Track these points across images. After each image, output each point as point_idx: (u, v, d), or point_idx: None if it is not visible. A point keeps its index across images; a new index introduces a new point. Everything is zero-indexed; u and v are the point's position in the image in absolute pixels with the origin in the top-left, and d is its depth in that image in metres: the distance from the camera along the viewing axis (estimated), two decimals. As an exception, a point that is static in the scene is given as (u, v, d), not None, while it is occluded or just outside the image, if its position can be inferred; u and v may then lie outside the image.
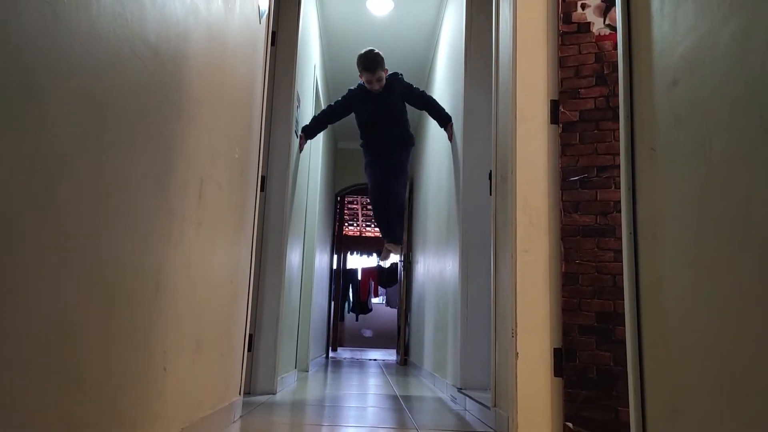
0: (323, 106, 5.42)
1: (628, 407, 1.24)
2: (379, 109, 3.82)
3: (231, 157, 2.06)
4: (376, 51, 3.74)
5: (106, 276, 1.10)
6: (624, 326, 1.33)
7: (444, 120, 3.82)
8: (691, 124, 1.02)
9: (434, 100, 3.88)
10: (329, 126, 6.47)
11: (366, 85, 3.76)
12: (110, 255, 1.12)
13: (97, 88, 1.04)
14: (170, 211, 1.45)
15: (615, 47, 2.17)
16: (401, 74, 3.88)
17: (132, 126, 1.21)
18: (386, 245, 4.27)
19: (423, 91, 3.89)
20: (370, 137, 3.96)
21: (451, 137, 3.81)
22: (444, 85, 4.55)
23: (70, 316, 0.97)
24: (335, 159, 7.71)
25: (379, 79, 3.71)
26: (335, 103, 3.91)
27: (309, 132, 3.90)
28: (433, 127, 5.24)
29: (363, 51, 3.76)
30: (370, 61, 3.67)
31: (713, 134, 0.94)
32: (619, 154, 2.06)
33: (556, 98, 2.22)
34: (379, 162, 3.99)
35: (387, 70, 3.77)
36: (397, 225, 4.11)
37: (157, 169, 1.35)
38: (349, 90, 3.89)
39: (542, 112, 2.23)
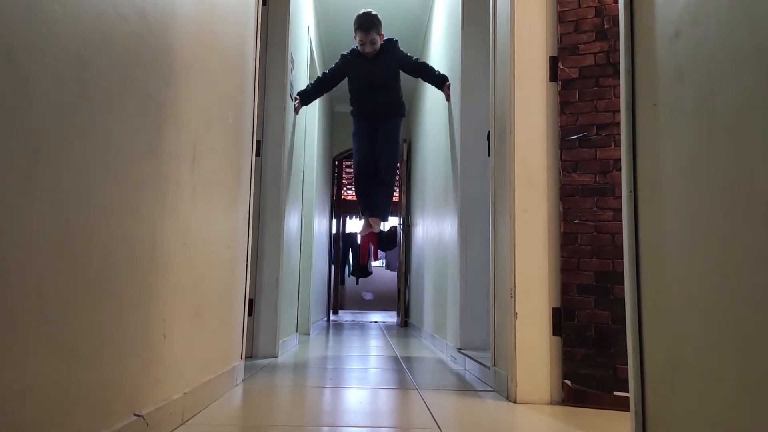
0: (318, 69, 5.33)
1: (626, 365, 1.25)
2: (373, 75, 3.73)
3: (224, 121, 2.03)
4: (375, 13, 3.65)
5: (99, 244, 1.09)
6: (623, 285, 1.33)
7: (440, 82, 3.73)
8: (693, 78, 0.99)
9: (429, 65, 3.80)
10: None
11: (359, 46, 3.67)
12: (102, 222, 1.10)
13: (81, 52, 1.01)
14: (163, 176, 1.43)
15: (616, 0, 2.11)
16: (397, 40, 3.79)
17: (120, 90, 1.17)
18: (369, 219, 3.95)
19: (417, 59, 3.80)
20: (362, 104, 3.87)
21: (448, 98, 3.74)
22: (441, 45, 4.46)
23: (63, 285, 0.96)
24: (332, 123, 7.63)
25: (373, 42, 3.62)
26: (329, 70, 3.82)
27: (305, 97, 3.81)
28: (429, 89, 5.17)
29: (362, 11, 3.68)
30: (365, 21, 3.61)
31: (717, 88, 0.92)
32: (619, 111, 2.03)
33: (555, 55, 2.17)
34: (369, 130, 3.89)
35: (383, 36, 3.69)
36: (385, 199, 3.88)
37: (147, 134, 1.33)
38: (342, 55, 3.80)
39: (541, 69, 2.18)
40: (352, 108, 3.96)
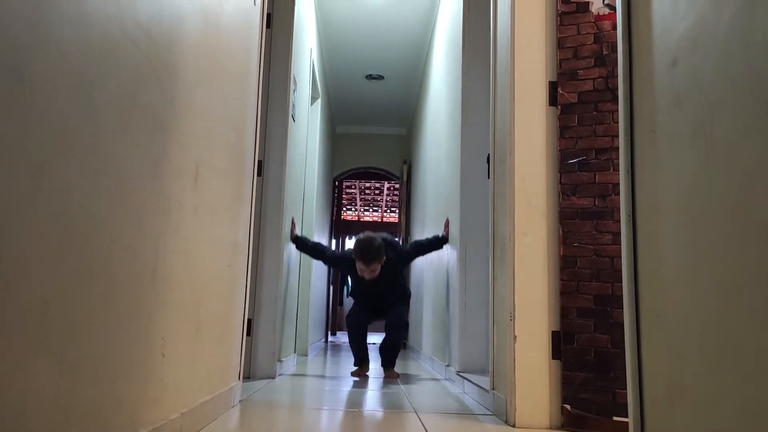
0: (320, 91, 5.39)
1: (626, 389, 1.24)
2: (374, 286, 3.59)
3: (227, 141, 2.05)
4: (378, 244, 3.37)
5: (102, 261, 1.09)
6: (622, 309, 1.33)
7: (440, 244, 3.65)
8: (691, 104, 1.01)
9: (423, 243, 3.68)
10: (327, 110, 6.45)
11: (357, 270, 3.47)
12: (106, 240, 1.11)
13: (88, 72, 1.03)
14: (166, 195, 1.44)
15: (614, 27, 2.14)
16: (395, 249, 3.56)
17: (125, 109, 1.19)
18: (385, 369, 3.61)
19: (411, 247, 3.71)
20: (365, 297, 3.69)
21: (445, 233, 3.67)
22: (442, 68, 4.51)
23: (66, 301, 0.97)
24: (333, 143, 7.67)
25: (373, 271, 3.41)
26: (331, 253, 3.74)
27: (300, 244, 3.68)
28: (431, 109, 5.22)
29: (363, 236, 3.45)
30: (367, 254, 3.34)
31: (714, 115, 0.93)
32: (617, 136, 2.04)
33: (554, 80, 2.20)
34: (371, 312, 3.71)
35: (385, 258, 3.41)
36: (394, 351, 3.60)
37: (151, 153, 1.34)
38: (348, 259, 3.54)
39: (541, 93, 2.21)
40: (352, 292, 3.77)
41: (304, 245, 3.73)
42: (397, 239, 4.16)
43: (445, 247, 3.85)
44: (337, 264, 3.80)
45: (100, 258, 1.09)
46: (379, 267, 3.43)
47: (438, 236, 3.72)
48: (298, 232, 3.97)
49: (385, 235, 3.65)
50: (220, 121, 1.94)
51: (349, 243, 12.63)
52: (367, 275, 3.45)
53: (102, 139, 1.09)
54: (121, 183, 1.17)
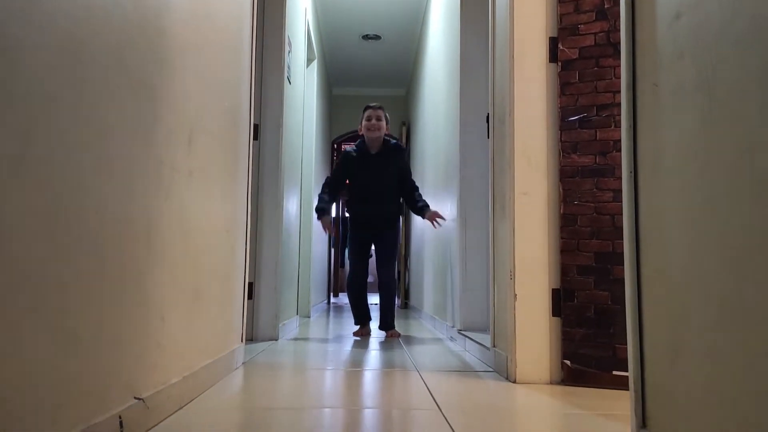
0: (315, 52, 5.29)
1: (626, 344, 1.25)
2: (377, 173, 3.58)
3: (221, 104, 2.01)
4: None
5: (94, 228, 1.08)
6: (622, 266, 1.32)
7: (422, 210, 3.63)
8: (694, 58, 0.98)
9: (419, 193, 3.71)
10: (324, 72, 6.35)
11: (364, 126, 3.60)
12: (97, 206, 1.09)
13: (74, 35, 1.00)
14: (158, 160, 1.42)
15: (616, -21, 2.08)
16: (404, 148, 3.73)
17: (113, 73, 1.16)
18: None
19: (415, 183, 3.75)
20: (360, 210, 3.69)
21: (426, 216, 3.60)
22: (440, 27, 4.42)
23: (58, 269, 0.96)
24: (330, 105, 7.59)
25: (379, 119, 3.59)
26: (332, 173, 3.73)
27: (325, 209, 3.65)
28: (429, 69, 5.13)
29: None
30: (374, 104, 3.69)
31: (717, 69, 0.91)
32: (619, 92, 2.01)
33: (554, 35, 2.15)
34: (365, 240, 3.71)
35: (389, 129, 3.69)
36: (389, 307, 3.68)
37: (142, 117, 1.31)
38: (345, 152, 3.69)
39: (541, 50, 2.16)
40: (349, 204, 3.78)
41: (328, 204, 3.67)
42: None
43: (446, 205, 3.85)
44: (338, 172, 3.71)
45: (92, 224, 1.08)
46: (384, 122, 3.60)
47: (426, 206, 3.64)
48: (295, 212, 4.00)
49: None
50: (213, 84, 1.90)
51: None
52: (374, 129, 3.57)
53: (89, 104, 1.06)
54: (110, 148, 1.15)
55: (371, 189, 3.64)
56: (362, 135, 3.66)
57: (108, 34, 1.13)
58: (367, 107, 3.67)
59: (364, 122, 3.64)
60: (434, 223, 3.59)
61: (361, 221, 3.70)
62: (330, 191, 3.67)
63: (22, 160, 0.86)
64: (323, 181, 3.78)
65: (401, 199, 3.76)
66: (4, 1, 0.80)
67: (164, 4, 1.44)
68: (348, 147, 3.75)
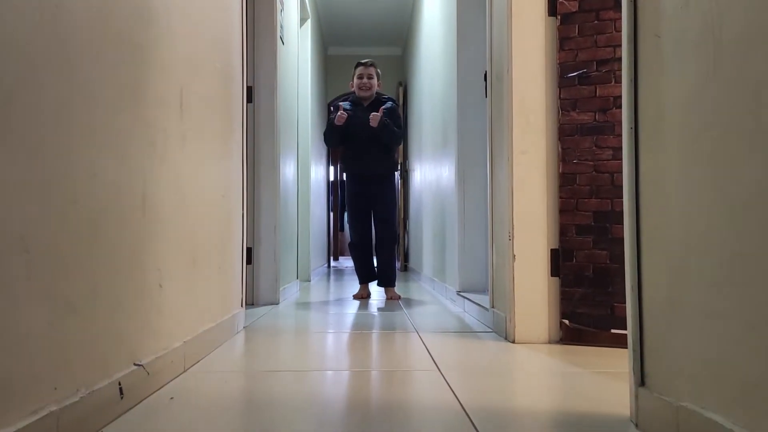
0: (309, 11, 5.17)
1: (624, 303, 1.24)
2: (369, 127, 3.49)
3: (212, 66, 1.96)
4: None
5: (85, 194, 1.06)
6: (621, 225, 1.30)
7: (392, 135, 3.55)
8: (699, 6, 0.94)
9: (399, 130, 3.60)
10: (318, 31, 6.22)
11: (356, 84, 3.60)
12: (88, 172, 1.07)
13: (52, -9, 0.95)
14: (149, 124, 1.38)
15: (617, -72, 2.00)
16: (398, 106, 3.69)
17: (97, 32, 1.12)
18: (386, 289, 3.68)
19: (400, 130, 3.65)
20: (355, 159, 3.65)
21: (373, 119, 3.47)
22: (435, -19, 4.30)
23: (49, 237, 0.94)
24: (326, 67, 7.46)
25: (370, 77, 3.59)
26: (327, 124, 3.67)
27: (332, 122, 3.59)
28: (426, 27, 5.02)
29: None
30: (366, 60, 3.67)
31: (723, 16, 0.87)
32: (620, 46, 1.95)
33: (553, -12, 2.08)
34: (363, 193, 3.66)
35: (381, 84, 3.70)
36: (391, 264, 3.65)
37: (130, 80, 1.28)
38: (339, 106, 3.66)
39: (539, 3, 2.10)
40: (344, 160, 3.73)
41: (331, 133, 3.63)
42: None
43: (444, 167, 3.82)
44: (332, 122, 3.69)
45: (82, 190, 1.05)
46: (375, 80, 3.62)
47: (387, 123, 3.52)
48: (293, 176, 3.96)
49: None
50: (203, 45, 1.85)
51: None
52: (366, 87, 3.59)
53: (74, 66, 1.03)
54: (97, 111, 1.12)
55: (364, 140, 3.60)
56: (353, 92, 3.65)
57: (89, -8, 1.09)
58: (359, 64, 3.66)
59: (355, 80, 3.64)
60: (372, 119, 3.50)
61: (357, 175, 3.69)
62: (329, 130, 3.65)
63: (6, 122, 0.83)
64: (322, 160, 3.74)
65: (396, 153, 3.75)
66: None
67: (148, -40, 1.38)
68: (342, 102, 3.75)
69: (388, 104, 3.61)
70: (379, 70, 3.67)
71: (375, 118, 3.44)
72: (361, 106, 3.63)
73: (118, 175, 1.21)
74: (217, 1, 2.04)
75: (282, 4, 3.54)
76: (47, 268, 0.94)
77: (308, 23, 5.19)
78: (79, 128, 1.04)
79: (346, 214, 11.00)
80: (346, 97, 8.20)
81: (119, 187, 1.21)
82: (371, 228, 3.77)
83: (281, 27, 3.47)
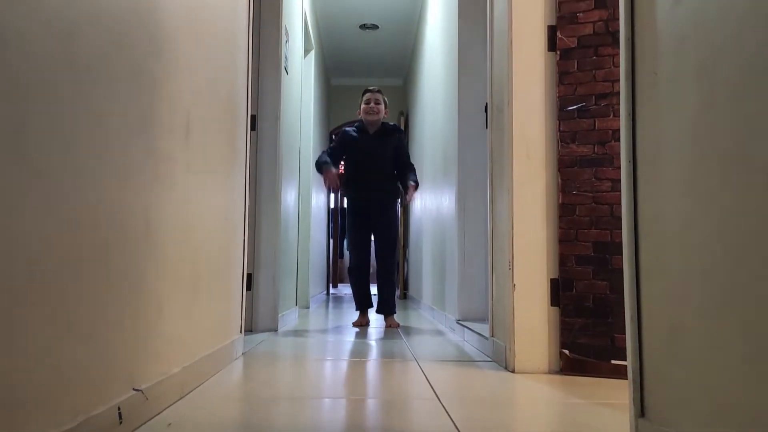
0: (313, 42, 5.26)
1: (624, 334, 1.25)
2: (373, 153, 3.58)
3: (218, 95, 2.00)
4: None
5: (90, 217, 1.08)
6: (621, 255, 1.32)
7: (409, 183, 3.62)
8: (694, 45, 0.97)
9: (413, 169, 3.73)
10: (321, 62, 6.32)
11: (363, 110, 3.64)
12: (94, 197, 1.09)
13: (68, 23, 0.99)
14: (156, 151, 1.41)
15: (615, -33, 2.06)
16: (403, 131, 3.79)
17: (109, 61, 1.15)
18: (385, 317, 3.66)
19: (411, 163, 3.77)
20: (357, 189, 3.69)
21: (409, 198, 3.61)
22: (438, 15, 4.39)
23: (54, 260, 0.96)
24: (328, 96, 7.56)
25: (377, 102, 3.65)
26: (330, 147, 3.72)
27: (326, 163, 3.57)
28: (427, 58, 5.11)
29: None
30: (373, 87, 3.73)
31: (718, 55, 0.90)
32: (618, 81, 2.00)
33: (553, 24, 2.14)
34: (363, 222, 3.70)
35: (388, 112, 3.74)
36: (390, 292, 3.65)
37: (138, 107, 1.30)
38: (344, 131, 3.71)
39: (539, 39, 2.15)
40: (346, 184, 3.75)
41: (325, 158, 3.63)
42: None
43: (444, 197, 3.85)
44: (336, 147, 3.72)
45: (89, 215, 1.07)
46: (382, 105, 3.66)
47: (415, 182, 3.64)
48: (293, 203, 3.99)
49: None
50: (210, 75, 1.89)
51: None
52: (372, 112, 3.62)
53: (86, 94, 1.05)
54: (107, 138, 1.14)
55: (368, 167, 3.65)
56: (361, 119, 3.70)
57: (103, 18, 1.12)
58: (366, 90, 3.70)
59: (362, 105, 3.68)
60: (408, 197, 3.61)
61: (358, 201, 3.71)
62: (329, 157, 3.65)
63: (18, 147, 0.85)
64: (326, 152, 3.74)
65: (398, 181, 3.77)
66: (-4, -10, 0.79)
67: (160, -7, 1.42)
68: (347, 127, 3.79)
69: (396, 139, 3.67)
70: (386, 98, 3.73)
71: (411, 198, 3.61)
72: (367, 133, 3.66)
73: (124, 200, 1.23)
74: (225, 32, 2.09)
75: (287, 35, 3.61)
76: (52, 292, 0.95)
77: (312, 54, 5.28)
78: (89, 155, 1.07)
79: (345, 240, 11.02)
80: (351, 122, 8.31)
81: (124, 213, 1.23)
82: (370, 254, 3.78)
83: (286, 58, 3.53)
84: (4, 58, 0.82)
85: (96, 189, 1.09)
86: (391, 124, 3.76)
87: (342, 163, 3.77)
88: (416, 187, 3.66)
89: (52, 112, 0.94)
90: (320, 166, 3.60)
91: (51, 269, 0.94)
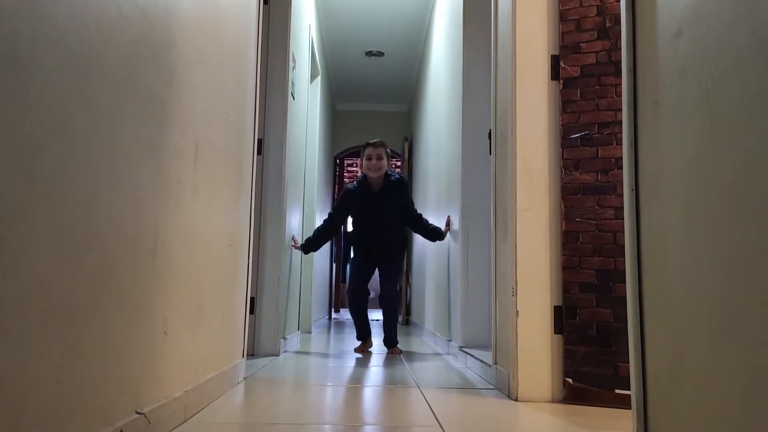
0: (319, 68, 5.33)
1: (628, 362, 1.25)
2: (378, 211, 3.61)
3: (226, 119, 2.03)
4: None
5: (101, 241, 1.09)
6: (624, 283, 1.32)
7: (436, 235, 3.70)
8: (695, 76, 0.99)
9: (426, 221, 3.75)
10: (327, 88, 6.39)
11: (365, 165, 3.59)
12: (105, 220, 1.10)
13: (84, 52, 1.01)
14: (165, 174, 1.43)
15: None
16: (407, 183, 3.76)
17: (122, 88, 1.18)
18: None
19: (418, 212, 3.76)
20: (365, 240, 3.73)
21: (446, 233, 3.70)
22: (442, 43, 4.46)
23: (66, 284, 0.97)
24: (333, 121, 7.63)
25: (380, 158, 3.55)
26: (333, 210, 3.73)
27: (310, 248, 3.69)
28: (431, 85, 5.17)
29: None
30: (374, 140, 3.65)
31: (718, 86, 0.92)
32: (620, 110, 2.02)
33: (556, 53, 2.17)
34: (368, 267, 3.73)
35: (392, 165, 3.73)
36: (392, 326, 3.68)
37: (150, 132, 1.33)
38: (346, 189, 3.67)
39: (542, 67, 2.18)
40: (352, 236, 3.80)
41: (311, 244, 3.70)
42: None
43: (449, 212, 3.86)
44: (341, 207, 3.71)
45: (99, 238, 1.08)
46: (385, 161, 3.57)
47: (439, 229, 3.73)
48: (298, 227, 4.00)
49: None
50: (218, 100, 1.92)
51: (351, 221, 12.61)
52: (374, 169, 3.54)
53: (99, 119, 1.08)
54: (119, 163, 1.16)
55: (374, 225, 3.66)
56: (364, 173, 3.65)
57: (118, 47, 1.15)
58: (368, 144, 3.62)
59: (364, 161, 3.59)
60: (447, 230, 3.69)
61: (365, 254, 3.74)
62: (328, 227, 3.69)
63: (33, 172, 0.87)
64: (325, 222, 3.74)
65: (406, 228, 3.78)
66: (17, 17, 0.82)
67: (172, 17, 1.46)
68: (349, 185, 3.71)
69: (401, 194, 3.64)
70: (388, 150, 3.64)
71: (449, 227, 3.66)
72: (371, 191, 3.62)
73: (133, 223, 1.24)
74: (235, 58, 2.13)
75: (294, 62, 3.67)
76: (62, 314, 0.96)
77: (318, 79, 5.35)
78: (101, 179, 1.08)
79: (348, 266, 10.97)
80: (353, 153, 8.38)
81: (133, 236, 1.24)
82: (369, 280, 3.79)
83: (292, 83, 3.58)
84: (26, 84, 0.84)
85: (108, 212, 1.11)
86: (394, 177, 3.66)
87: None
88: (444, 229, 3.70)
89: (67, 138, 0.96)
90: (305, 247, 3.69)
91: (63, 291, 0.95)
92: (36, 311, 0.88)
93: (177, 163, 1.52)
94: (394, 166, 10.96)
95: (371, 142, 3.64)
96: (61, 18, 0.93)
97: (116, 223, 1.15)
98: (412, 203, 3.78)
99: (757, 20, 0.82)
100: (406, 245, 3.87)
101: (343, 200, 3.69)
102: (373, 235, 3.68)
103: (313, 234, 3.73)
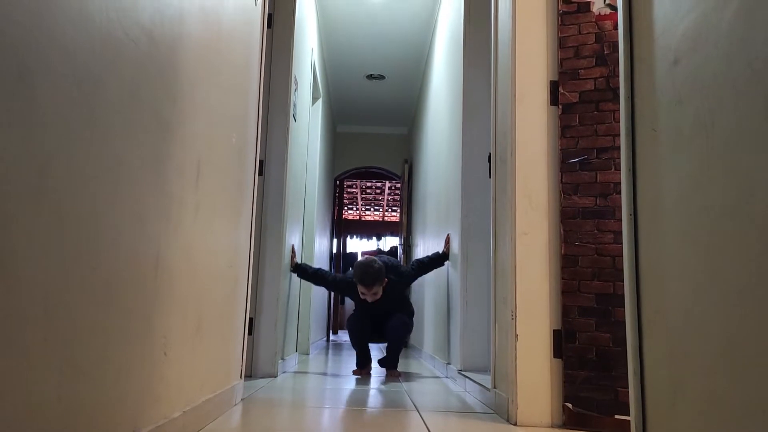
0: (321, 91, 5.39)
1: (627, 387, 1.25)
2: (380, 305, 3.61)
3: (228, 140, 2.05)
4: (379, 266, 3.41)
5: (105, 260, 1.10)
6: (623, 307, 1.33)
7: (440, 259, 3.70)
8: (692, 103, 1.01)
9: (425, 261, 3.70)
10: (328, 110, 6.45)
11: (361, 296, 3.52)
12: (108, 238, 1.11)
13: (90, 72, 1.03)
14: (168, 194, 1.44)
15: (615, 27, 2.14)
16: (398, 272, 3.62)
17: (127, 110, 1.19)
18: (389, 371, 3.64)
19: (413, 267, 3.70)
20: (368, 319, 3.70)
21: (446, 252, 3.71)
22: (443, 67, 4.51)
23: (69, 301, 0.97)
24: (334, 143, 7.68)
25: (375, 294, 3.45)
26: (332, 278, 3.72)
27: (301, 272, 3.69)
28: (432, 108, 5.22)
29: (363, 260, 3.50)
30: (368, 278, 3.38)
31: (715, 114, 0.94)
32: (619, 136, 2.04)
33: (555, 79, 2.20)
34: (371, 323, 3.71)
35: (386, 280, 3.48)
36: (396, 351, 3.65)
37: (153, 152, 1.34)
38: (347, 283, 3.62)
39: (542, 93, 2.21)
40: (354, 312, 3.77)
41: (305, 273, 3.71)
42: (398, 261, 4.15)
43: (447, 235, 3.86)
44: (339, 288, 3.79)
45: (103, 257, 1.09)
46: (380, 290, 3.48)
47: (438, 253, 3.75)
48: (297, 248, 3.99)
49: (385, 258, 3.69)
50: (221, 120, 1.95)
51: (351, 243, 12.64)
52: (369, 298, 3.51)
53: (105, 138, 1.09)
54: (123, 181, 1.18)
55: (375, 314, 3.69)
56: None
57: (123, 69, 1.17)
58: (360, 282, 3.42)
59: (359, 288, 3.48)
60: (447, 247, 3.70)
61: (370, 321, 3.75)
62: (324, 284, 3.72)
63: (40, 192, 0.88)
64: (324, 273, 3.73)
65: (408, 297, 3.85)
66: (23, 37, 0.84)
67: (178, 41, 1.48)
68: (352, 277, 3.55)
69: (398, 288, 3.62)
70: (382, 276, 3.42)
71: (449, 244, 3.65)
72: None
73: (136, 242, 1.25)
74: (238, 80, 2.16)
75: (296, 84, 3.71)
76: (64, 333, 0.96)
77: (319, 102, 5.40)
78: (105, 198, 1.10)
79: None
80: (353, 175, 8.40)
81: (135, 255, 1.25)
82: (369, 318, 3.77)
83: (294, 105, 3.62)
84: (31, 104, 0.85)
85: (111, 230, 1.12)
86: (387, 286, 3.52)
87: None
88: (444, 249, 3.71)
89: (73, 157, 0.97)
90: (300, 272, 3.69)
91: (66, 310, 0.95)
92: (40, 329, 0.89)
93: (180, 182, 1.53)
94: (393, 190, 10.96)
95: (363, 281, 3.40)
96: (69, 37, 0.95)
97: (119, 241, 1.16)
98: (408, 276, 3.70)
99: (752, 50, 0.84)
100: (413, 312, 3.86)
101: (345, 288, 3.71)
102: (375, 318, 3.72)
103: (312, 269, 3.72)
